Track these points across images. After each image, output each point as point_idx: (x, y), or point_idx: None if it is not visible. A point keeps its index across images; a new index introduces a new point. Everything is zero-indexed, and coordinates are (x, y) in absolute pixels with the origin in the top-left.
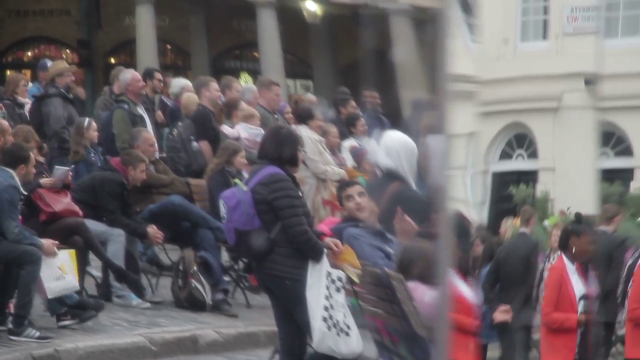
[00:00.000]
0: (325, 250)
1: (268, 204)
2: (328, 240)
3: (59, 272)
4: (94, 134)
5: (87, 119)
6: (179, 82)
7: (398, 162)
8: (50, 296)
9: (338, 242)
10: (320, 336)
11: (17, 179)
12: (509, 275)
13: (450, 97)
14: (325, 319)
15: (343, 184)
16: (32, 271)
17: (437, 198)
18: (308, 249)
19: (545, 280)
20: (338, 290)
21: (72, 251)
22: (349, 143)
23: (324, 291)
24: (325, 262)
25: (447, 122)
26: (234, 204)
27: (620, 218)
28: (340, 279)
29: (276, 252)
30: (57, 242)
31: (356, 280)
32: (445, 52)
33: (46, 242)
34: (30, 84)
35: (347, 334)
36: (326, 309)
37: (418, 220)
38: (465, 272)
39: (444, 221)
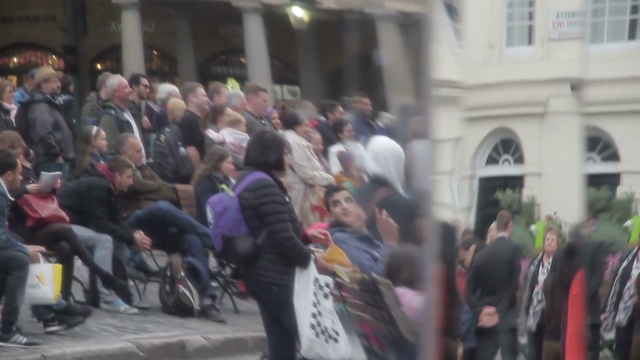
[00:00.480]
0: (312, 256)
1: (254, 210)
2: (313, 230)
3: (36, 280)
4: (102, 142)
5: (95, 128)
6: (165, 88)
7: (386, 168)
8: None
9: (325, 232)
10: (308, 343)
11: (4, 185)
12: (491, 279)
13: (435, 102)
14: (313, 326)
15: (330, 190)
16: (20, 277)
17: (423, 203)
18: (294, 255)
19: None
20: (326, 296)
21: (59, 266)
22: (336, 148)
23: (311, 298)
24: (312, 268)
25: (432, 127)
26: (221, 210)
27: (512, 224)
28: (327, 285)
29: (263, 257)
30: (44, 249)
31: (347, 279)
32: (430, 57)
33: (33, 249)
34: (16, 91)
35: (335, 340)
36: (314, 315)
37: (406, 226)
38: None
39: (430, 226)
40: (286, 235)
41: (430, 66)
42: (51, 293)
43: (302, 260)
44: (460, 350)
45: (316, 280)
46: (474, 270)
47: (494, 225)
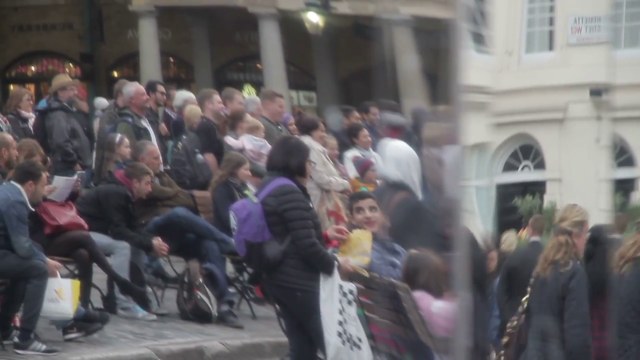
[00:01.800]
0: (335, 262)
1: (278, 216)
2: (331, 230)
3: (55, 295)
4: (126, 150)
5: (118, 135)
6: (182, 95)
7: (407, 173)
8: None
9: (342, 228)
10: (335, 351)
11: (24, 194)
12: (522, 283)
13: (463, 108)
14: (340, 334)
15: (355, 196)
16: (39, 285)
17: (452, 210)
18: (317, 261)
19: None
20: (350, 303)
21: (76, 282)
22: (351, 153)
23: (337, 305)
24: (336, 275)
25: (461, 133)
26: (245, 216)
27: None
28: (351, 292)
29: (287, 263)
30: (61, 265)
31: (366, 275)
32: (458, 64)
33: (51, 263)
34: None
35: (359, 347)
36: (340, 323)
37: (425, 231)
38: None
39: (459, 233)
40: (310, 241)
41: (458, 72)
42: (70, 308)
43: (326, 267)
44: (493, 356)
45: (340, 287)
46: (505, 274)
47: (510, 233)
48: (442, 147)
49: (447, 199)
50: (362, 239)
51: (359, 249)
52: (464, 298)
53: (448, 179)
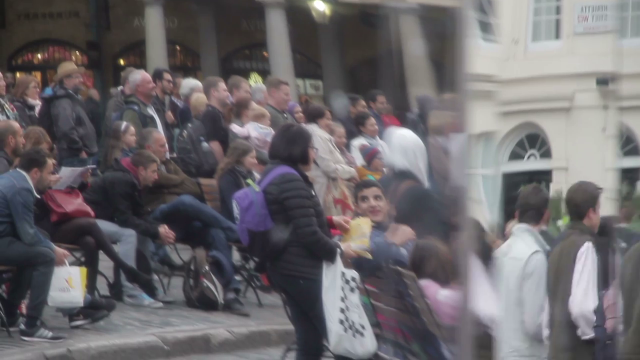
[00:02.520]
0: (338, 250)
1: (280, 204)
2: (337, 218)
3: (65, 284)
4: (131, 138)
5: (124, 123)
6: (189, 83)
7: (414, 162)
8: (50, 304)
9: (346, 219)
10: (337, 339)
11: (30, 181)
12: None
13: (469, 96)
14: (341, 321)
15: (360, 184)
16: (45, 272)
17: (458, 198)
18: (318, 249)
19: None
20: (352, 290)
21: (84, 269)
22: (358, 142)
23: (339, 293)
24: (339, 262)
25: (467, 122)
26: (247, 205)
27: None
28: (354, 279)
29: (290, 251)
30: (69, 254)
31: (369, 257)
32: (464, 52)
33: (58, 251)
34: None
35: (361, 334)
36: (342, 310)
37: (432, 219)
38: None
39: (465, 222)
40: (310, 229)
41: (464, 61)
42: (80, 296)
43: (328, 254)
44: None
45: (343, 274)
46: None
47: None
48: (448, 135)
49: (453, 188)
50: (361, 224)
51: (358, 233)
52: (468, 286)
53: (454, 167)
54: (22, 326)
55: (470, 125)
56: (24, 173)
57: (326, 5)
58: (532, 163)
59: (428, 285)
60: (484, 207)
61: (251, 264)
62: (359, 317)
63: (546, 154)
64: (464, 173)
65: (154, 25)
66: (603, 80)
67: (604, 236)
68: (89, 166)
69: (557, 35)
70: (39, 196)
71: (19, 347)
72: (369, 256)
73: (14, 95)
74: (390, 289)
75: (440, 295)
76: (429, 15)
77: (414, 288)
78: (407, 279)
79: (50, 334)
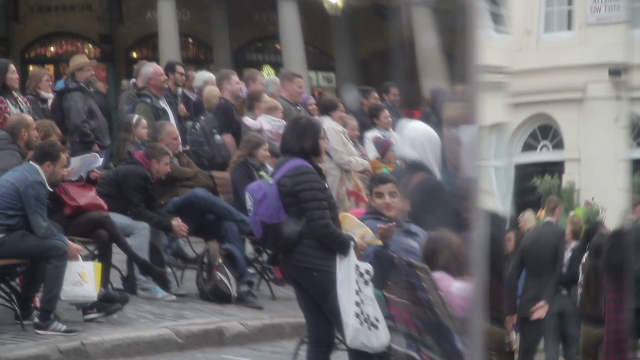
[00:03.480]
0: (352, 243)
1: (294, 197)
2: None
3: (79, 278)
4: (143, 131)
5: (136, 116)
6: (202, 76)
7: (423, 154)
8: (63, 298)
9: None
10: (354, 333)
11: (43, 175)
12: (536, 263)
13: (481, 88)
14: (358, 315)
15: (376, 179)
16: (59, 266)
17: (470, 190)
18: (331, 242)
19: None
20: (366, 283)
21: (98, 264)
22: (372, 134)
23: (354, 286)
24: (353, 255)
25: (478, 113)
26: (260, 197)
27: (560, 210)
28: (368, 272)
29: (303, 244)
30: (82, 248)
31: (381, 243)
32: (475, 44)
33: (72, 246)
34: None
35: (376, 327)
36: (358, 304)
37: (444, 211)
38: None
39: (477, 213)
40: (323, 222)
41: (474, 52)
42: (94, 291)
43: (341, 247)
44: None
45: (357, 267)
46: (520, 255)
47: (528, 212)
48: (460, 127)
49: (465, 179)
50: (347, 216)
51: (352, 223)
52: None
53: (465, 159)
54: (37, 320)
55: (481, 117)
56: (37, 166)
57: None
58: (545, 154)
59: (441, 278)
60: (496, 199)
61: (264, 257)
62: (374, 310)
63: (559, 145)
64: (475, 165)
65: (167, 18)
66: (616, 71)
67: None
68: (88, 155)
69: (570, 27)
70: (52, 190)
71: (33, 340)
72: (381, 243)
73: (27, 89)
74: (402, 281)
75: (453, 287)
76: (441, 7)
77: (427, 281)
78: (420, 271)
79: (64, 327)
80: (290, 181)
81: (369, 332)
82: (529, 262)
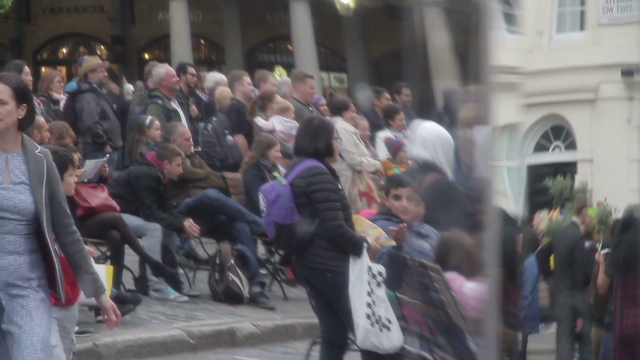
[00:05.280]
0: (364, 244)
1: (307, 197)
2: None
3: None
4: (156, 133)
5: (149, 117)
6: (213, 77)
7: (434, 154)
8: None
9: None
10: (364, 333)
11: None
12: (555, 261)
13: (493, 88)
14: (368, 316)
15: (394, 181)
16: None
17: (482, 190)
18: (344, 243)
19: None
20: (378, 284)
21: (110, 267)
22: (384, 134)
23: (366, 287)
24: (365, 257)
25: (491, 114)
26: (273, 198)
27: (586, 210)
28: (380, 273)
29: (316, 244)
30: (94, 252)
31: (394, 243)
32: (488, 44)
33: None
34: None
35: (388, 328)
36: (369, 305)
37: (456, 211)
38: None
39: (490, 214)
40: (336, 223)
41: (488, 53)
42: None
43: (353, 248)
44: (519, 337)
45: (369, 268)
46: (542, 253)
47: (543, 212)
48: (474, 127)
49: (478, 180)
50: (357, 218)
51: (364, 225)
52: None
53: (478, 159)
54: None
55: (494, 118)
56: None
57: None
58: (557, 155)
59: (453, 278)
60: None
61: (276, 258)
62: (386, 311)
63: (571, 145)
64: (488, 165)
65: (179, 19)
66: (628, 72)
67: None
68: (103, 159)
69: (582, 27)
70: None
71: None
72: (394, 242)
73: (39, 90)
74: (415, 282)
75: (465, 287)
76: (453, 7)
77: (439, 281)
78: (432, 271)
79: (76, 328)
80: (304, 182)
81: (380, 333)
82: (546, 260)
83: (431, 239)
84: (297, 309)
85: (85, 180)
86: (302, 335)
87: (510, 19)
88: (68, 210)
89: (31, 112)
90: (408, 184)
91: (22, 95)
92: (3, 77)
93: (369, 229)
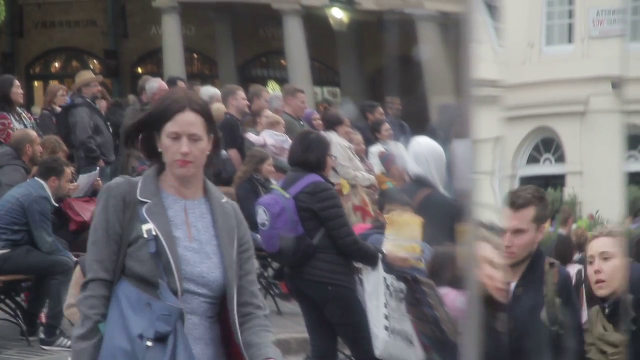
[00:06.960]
0: (379, 255)
1: (312, 212)
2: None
3: None
4: None
5: None
6: (207, 91)
7: (427, 169)
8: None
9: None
10: (383, 345)
11: (48, 190)
12: None
13: (475, 102)
14: (386, 327)
15: (389, 196)
16: (64, 281)
17: (464, 204)
18: (361, 258)
19: None
20: (392, 295)
21: None
22: (377, 149)
23: (382, 299)
24: (381, 268)
25: (472, 127)
26: (278, 211)
27: (572, 221)
28: (394, 285)
29: (318, 258)
30: None
31: (422, 266)
32: (470, 57)
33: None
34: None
35: (411, 342)
36: (386, 317)
37: (448, 226)
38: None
39: (471, 227)
40: (352, 239)
41: (470, 66)
42: None
43: (370, 260)
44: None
45: (385, 279)
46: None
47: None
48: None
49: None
50: (411, 223)
51: (408, 233)
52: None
53: (460, 172)
54: (42, 335)
55: (475, 131)
56: (41, 182)
57: (344, 12)
58: (547, 167)
59: (447, 294)
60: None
61: (270, 272)
62: (399, 323)
63: (561, 158)
64: (470, 178)
65: (172, 34)
66: (618, 84)
67: None
68: (95, 173)
69: (570, 39)
70: (57, 205)
71: (39, 356)
72: (422, 265)
73: (44, 104)
74: (408, 297)
75: (460, 303)
76: (447, 22)
77: (433, 296)
78: (425, 287)
79: (70, 342)
80: (311, 198)
81: (403, 345)
82: None
83: (425, 255)
84: (292, 324)
85: (82, 195)
86: (296, 350)
87: (500, 32)
88: (257, 289)
89: (218, 146)
90: (398, 200)
91: (212, 125)
92: (191, 103)
93: (407, 240)
